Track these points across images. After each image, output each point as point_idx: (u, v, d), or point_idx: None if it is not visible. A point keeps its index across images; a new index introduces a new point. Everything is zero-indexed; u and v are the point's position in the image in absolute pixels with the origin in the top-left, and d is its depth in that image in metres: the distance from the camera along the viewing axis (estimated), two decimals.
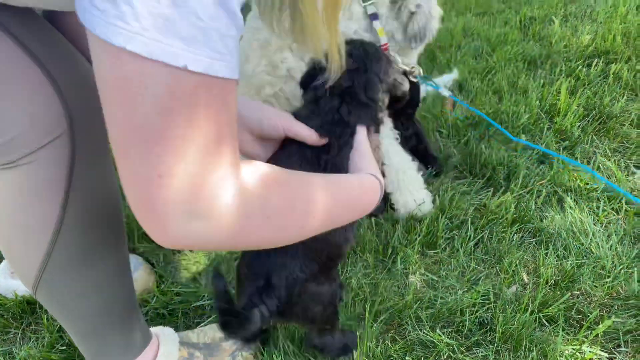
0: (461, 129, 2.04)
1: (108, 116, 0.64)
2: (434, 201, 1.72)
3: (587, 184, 1.75)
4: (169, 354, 1.21)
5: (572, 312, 1.36)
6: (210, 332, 1.38)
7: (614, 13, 2.92)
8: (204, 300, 1.46)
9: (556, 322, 1.33)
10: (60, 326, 1.36)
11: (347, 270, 1.51)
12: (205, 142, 0.64)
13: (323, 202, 0.85)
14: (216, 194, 0.67)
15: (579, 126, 2.02)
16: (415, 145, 1.87)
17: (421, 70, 1.59)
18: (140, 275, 1.52)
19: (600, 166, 1.84)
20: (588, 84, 2.30)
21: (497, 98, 2.29)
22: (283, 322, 1.27)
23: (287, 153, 1.07)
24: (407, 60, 1.60)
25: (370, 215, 1.65)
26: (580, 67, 2.41)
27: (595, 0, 3.15)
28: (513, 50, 2.67)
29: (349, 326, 1.34)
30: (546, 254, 1.53)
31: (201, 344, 1.33)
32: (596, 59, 2.46)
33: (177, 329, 1.37)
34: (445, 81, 2.42)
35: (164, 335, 1.25)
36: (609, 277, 1.43)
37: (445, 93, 1.84)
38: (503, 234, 1.59)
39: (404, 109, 1.79)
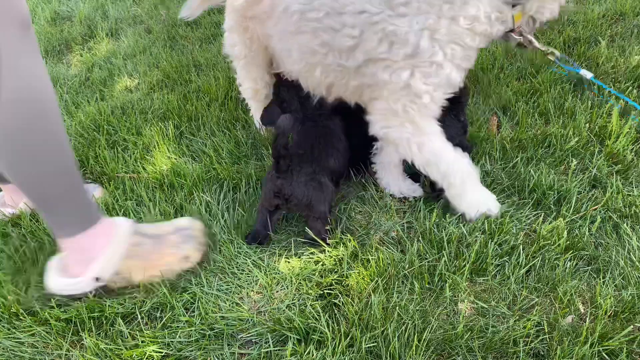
0: (509, 152, 1.99)
1: None
2: (482, 227, 1.67)
3: None
4: (122, 237, 1.49)
5: (634, 346, 1.29)
6: (165, 227, 1.60)
7: None
8: (248, 324, 1.45)
9: (617, 356, 1.27)
10: (103, 349, 1.37)
11: (394, 294, 1.47)
12: None
13: None
14: None
15: (632, 150, 1.95)
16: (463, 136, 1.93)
17: (558, 53, 1.67)
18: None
19: None
20: None
21: (544, 120, 2.23)
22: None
23: None
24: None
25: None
26: (630, 88, 2.33)
27: None
28: (558, 71, 2.61)
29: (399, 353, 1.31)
30: (603, 283, 1.46)
31: (150, 233, 1.57)
32: None
33: (221, 353, 1.36)
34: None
35: (121, 223, 1.53)
36: None
37: (587, 75, 1.83)
38: (556, 261, 1.53)
39: (458, 98, 1.81)
